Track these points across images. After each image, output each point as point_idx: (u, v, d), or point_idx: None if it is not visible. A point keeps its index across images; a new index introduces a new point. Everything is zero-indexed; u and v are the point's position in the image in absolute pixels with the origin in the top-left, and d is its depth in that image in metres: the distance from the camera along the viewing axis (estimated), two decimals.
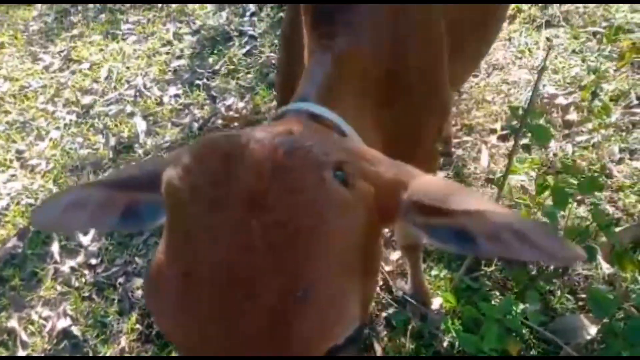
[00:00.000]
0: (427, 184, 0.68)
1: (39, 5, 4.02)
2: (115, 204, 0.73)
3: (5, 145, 2.73)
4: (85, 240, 2.20)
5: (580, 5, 2.87)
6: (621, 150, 2.11)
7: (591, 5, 2.83)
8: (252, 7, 3.41)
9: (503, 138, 2.30)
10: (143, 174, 0.70)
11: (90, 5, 3.88)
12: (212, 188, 0.56)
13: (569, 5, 2.88)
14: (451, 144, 2.28)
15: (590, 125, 2.22)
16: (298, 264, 0.52)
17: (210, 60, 3.09)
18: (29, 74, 3.24)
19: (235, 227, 0.53)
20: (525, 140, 1.86)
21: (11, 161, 2.62)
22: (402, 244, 1.62)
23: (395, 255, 1.88)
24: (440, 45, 1.20)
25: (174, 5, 3.61)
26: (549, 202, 1.62)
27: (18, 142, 2.75)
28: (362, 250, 0.61)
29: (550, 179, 1.77)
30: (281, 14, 3.28)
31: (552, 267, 1.69)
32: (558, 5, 2.89)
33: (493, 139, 2.31)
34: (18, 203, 2.39)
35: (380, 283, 1.80)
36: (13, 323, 1.95)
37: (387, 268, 1.83)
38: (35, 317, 1.97)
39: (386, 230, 1.98)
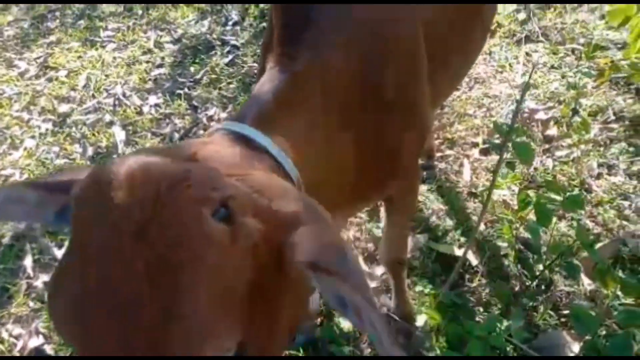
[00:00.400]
0: (311, 230, 0.67)
1: (14, 10, 3.92)
2: (48, 204, 0.76)
3: None
4: (60, 253, 2.13)
5: (558, 20, 2.93)
6: (599, 166, 2.14)
7: (569, 22, 2.90)
8: (234, 16, 3.39)
9: (485, 152, 2.32)
10: (71, 182, 0.73)
11: (69, 11, 3.81)
12: (103, 217, 0.61)
13: (548, 20, 2.95)
14: (434, 158, 2.29)
15: (569, 141, 2.26)
16: (171, 295, 0.57)
17: (192, 69, 3.05)
18: (3, 80, 3.15)
19: (121, 257, 0.58)
20: (507, 154, 1.88)
21: None
22: (385, 259, 1.61)
23: (379, 270, 1.87)
24: (418, 60, 1.19)
25: (154, 13, 3.57)
26: (532, 216, 1.63)
27: None
28: (250, 285, 0.62)
29: (531, 194, 1.79)
30: (264, 24, 3.26)
31: (534, 284, 1.70)
32: (537, 20, 2.95)
33: (475, 152, 2.33)
34: None
35: None
36: None
37: (372, 284, 1.82)
38: (5, 335, 1.89)
39: (370, 246, 1.97)
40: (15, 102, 2.98)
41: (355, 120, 1.05)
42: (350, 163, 1.07)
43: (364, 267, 1.90)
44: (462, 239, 1.95)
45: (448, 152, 2.35)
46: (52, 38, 3.51)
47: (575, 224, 1.86)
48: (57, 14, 3.80)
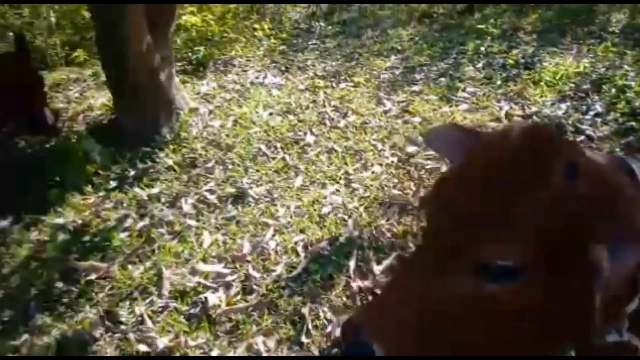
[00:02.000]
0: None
1: (392, 58, 4.73)
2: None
3: (338, 164, 3.29)
4: (378, 269, 2.45)
5: None
6: None
7: None
8: (598, 107, 3.25)
9: None
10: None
11: (434, 68, 4.36)
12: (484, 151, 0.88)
13: None
14: None
15: None
16: (495, 206, 0.79)
17: None
18: (371, 112, 3.83)
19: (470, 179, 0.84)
20: None
21: (340, 178, 3.14)
22: None
23: None
24: None
25: (513, 86, 3.74)
26: None
27: (348, 165, 3.27)
28: (549, 231, 0.74)
29: None
30: (633, 124, 3.00)
31: None
32: None
33: None
34: (336, 214, 2.84)
35: None
36: (304, 311, 2.30)
37: None
38: (321, 314, 2.29)
39: None
40: (375, 132, 3.58)
41: None
42: None
43: None
44: None
45: None
46: (416, 88, 4.09)
47: None
48: (425, 68, 4.41)
